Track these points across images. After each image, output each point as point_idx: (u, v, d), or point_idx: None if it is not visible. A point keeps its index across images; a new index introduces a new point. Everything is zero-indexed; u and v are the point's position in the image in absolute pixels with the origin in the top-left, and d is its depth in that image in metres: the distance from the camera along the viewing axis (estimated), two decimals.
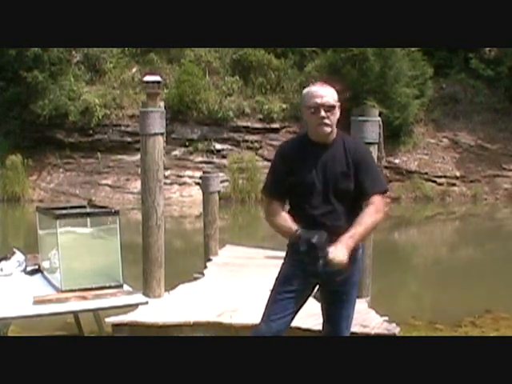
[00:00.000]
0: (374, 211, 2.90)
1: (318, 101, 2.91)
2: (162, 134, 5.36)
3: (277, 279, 3.13)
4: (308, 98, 2.96)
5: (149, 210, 5.37)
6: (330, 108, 2.92)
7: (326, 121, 2.91)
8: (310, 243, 2.80)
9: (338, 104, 2.97)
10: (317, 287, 3.11)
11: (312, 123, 2.96)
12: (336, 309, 3.11)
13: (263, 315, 3.10)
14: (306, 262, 2.85)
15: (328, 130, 2.94)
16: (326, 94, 2.93)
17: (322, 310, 3.18)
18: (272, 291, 3.12)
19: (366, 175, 2.96)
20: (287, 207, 3.11)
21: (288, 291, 3.04)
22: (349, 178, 2.95)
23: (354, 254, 2.92)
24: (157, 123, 5.30)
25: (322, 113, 2.90)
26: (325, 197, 2.94)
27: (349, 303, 3.11)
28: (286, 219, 2.97)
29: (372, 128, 5.20)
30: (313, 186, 2.94)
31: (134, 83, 19.80)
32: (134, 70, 20.42)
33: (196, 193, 16.91)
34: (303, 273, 3.00)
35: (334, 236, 2.85)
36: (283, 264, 3.15)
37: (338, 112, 2.98)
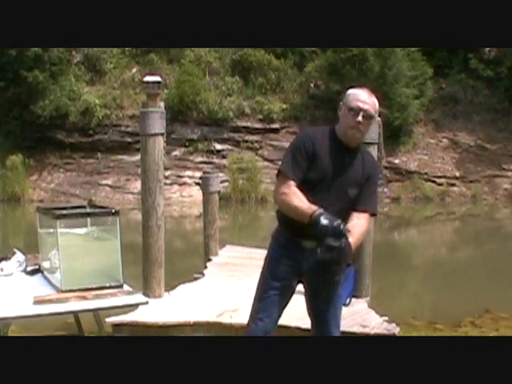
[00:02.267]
0: (365, 227, 2.99)
1: (361, 105, 2.94)
2: (162, 134, 5.36)
3: (261, 275, 3.14)
4: (352, 99, 2.97)
5: (149, 210, 5.37)
6: (368, 117, 2.96)
7: (360, 127, 2.95)
8: (333, 224, 2.72)
9: (375, 116, 3.03)
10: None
11: (346, 123, 2.98)
12: (322, 308, 3.12)
13: (250, 314, 3.11)
14: (319, 237, 2.75)
15: (358, 135, 2.99)
16: (370, 102, 2.96)
17: (308, 309, 3.18)
18: (257, 288, 3.12)
19: (369, 193, 3.04)
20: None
21: (274, 288, 3.05)
22: (357, 187, 3.00)
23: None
24: (157, 123, 5.30)
25: (360, 118, 2.93)
26: (331, 197, 2.95)
27: (333, 302, 3.10)
28: (304, 200, 2.88)
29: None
30: (325, 182, 2.96)
31: (134, 83, 19.80)
32: (134, 70, 20.41)
33: (196, 193, 16.91)
34: (289, 269, 3.02)
35: None
36: (266, 258, 3.15)
37: (371, 124, 3.06)
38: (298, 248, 3.00)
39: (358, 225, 2.93)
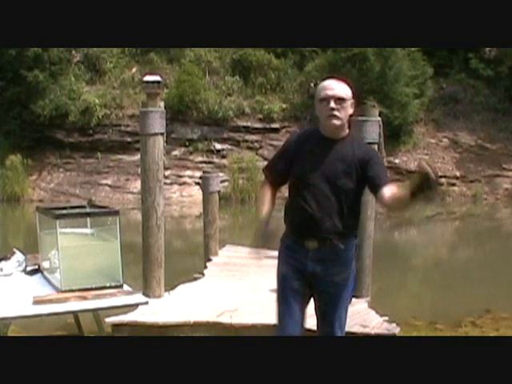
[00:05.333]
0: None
1: (329, 92, 2.94)
2: (162, 133, 5.36)
3: (277, 280, 3.15)
4: (319, 90, 3.01)
5: (149, 210, 5.37)
6: (339, 100, 2.93)
7: (336, 113, 2.92)
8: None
9: (350, 100, 2.98)
10: None
11: (322, 116, 2.98)
12: (326, 309, 3.11)
13: (276, 317, 3.12)
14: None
15: (337, 122, 2.94)
16: (336, 87, 2.96)
17: (315, 310, 3.19)
18: (277, 292, 3.13)
19: (378, 171, 2.94)
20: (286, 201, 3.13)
21: (288, 289, 3.06)
22: (349, 177, 2.95)
23: (343, 254, 2.98)
24: (157, 123, 5.30)
25: (332, 104, 2.91)
26: (323, 192, 2.95)
27: (338, 304, 3.09)
28: (266, 201, 3.13)
29: (372, 128, 5.20)
30: (312, 179, 2.95)
31: (134, 83, 19.77)
32: (133, 69, 20.39)
33: (196, 193, 16.89)
34: (294, 270, 3.04)
35: (327, 233, 2.91)
36: (279, 263, 3.16)
37: (349, 108, 2.99)
38: (302, 249, 3.00)
39: (390, 187, 2.83)
